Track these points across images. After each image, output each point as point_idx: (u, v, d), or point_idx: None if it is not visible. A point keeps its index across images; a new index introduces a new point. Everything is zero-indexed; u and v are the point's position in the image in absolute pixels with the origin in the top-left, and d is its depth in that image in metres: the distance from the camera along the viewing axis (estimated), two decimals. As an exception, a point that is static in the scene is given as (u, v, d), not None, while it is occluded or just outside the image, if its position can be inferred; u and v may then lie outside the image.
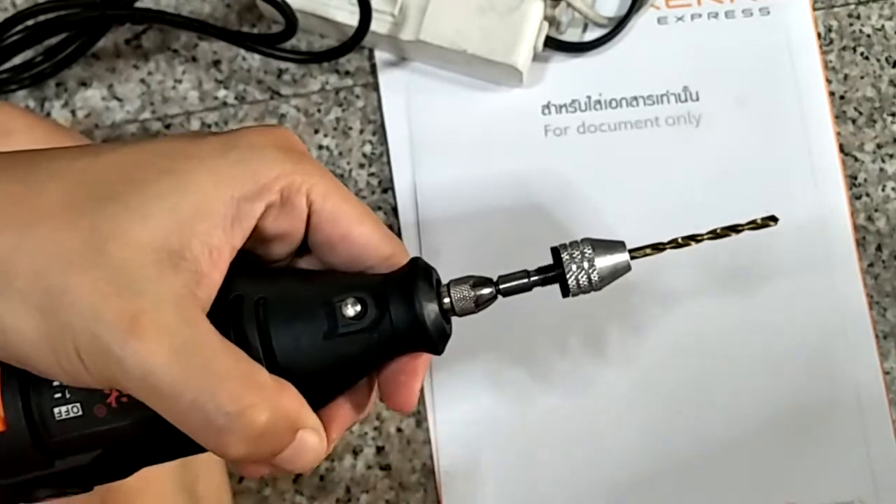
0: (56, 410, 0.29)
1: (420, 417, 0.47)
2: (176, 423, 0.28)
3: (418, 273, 0.31)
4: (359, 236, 0.32)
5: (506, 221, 0.48)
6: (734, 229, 0.34)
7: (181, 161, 0.29)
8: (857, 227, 0.48)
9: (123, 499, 0.40)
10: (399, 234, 0.48)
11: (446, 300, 0.31)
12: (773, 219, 0.34)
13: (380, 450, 0.47)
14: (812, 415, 0.46)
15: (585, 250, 0.32)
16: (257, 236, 0.30)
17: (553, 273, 0.32)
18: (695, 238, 0.34)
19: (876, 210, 0.49)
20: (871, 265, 0.48)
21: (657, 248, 0.33)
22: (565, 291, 0.33)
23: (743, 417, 0.46)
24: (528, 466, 0.46)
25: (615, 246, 0.33)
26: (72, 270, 0.27)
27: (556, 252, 0.33)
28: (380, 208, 0.49)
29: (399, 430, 0.47)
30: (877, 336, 0.47)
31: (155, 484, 0.41)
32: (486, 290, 0.32)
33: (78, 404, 0.29)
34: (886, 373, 0.47)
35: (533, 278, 0.33)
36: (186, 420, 0.27)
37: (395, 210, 0.49)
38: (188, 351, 0.27)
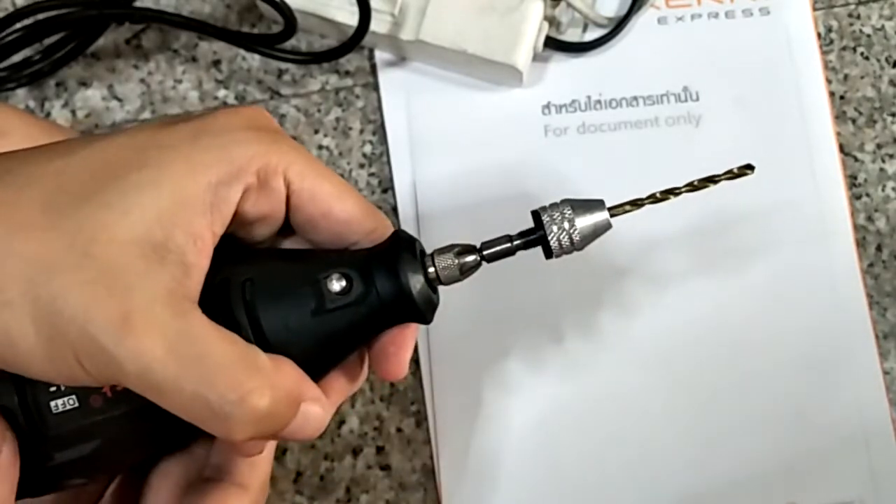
0: (52, 404, 0.29)
1: (420, 417, 0.47)
2: (179, 414, 0.28)
3: (401, 245, 0.31)
4: (340, 213, 0.32)
5: (506, 221, 0.47)
6: (711, 180, 0.34)
7: (154, 151, 0.29)
8: (857, 227, 0.48)
9: None
10: (399, 234, 0.48)
11: (431, 269, 0.32)
12: (750, 167, 0.35)
13: (380, 450, 0.47)
14: (812, 414, 0.46)
15: (565, 210, 0.33)
16: (238, 220, 0.30)
17: (535, 236, 0.33)
18: (673, 192, 0.34)
19: (876, 210, 0.49)
20: (871, 265, 0.48)
21: (636, 203, 0.34)
22: (548, 253, 0.33)
23: (742, 417, 0.46)
24: (528, 465, 0.46)
25: (595, 205, 0.33)
26: (58, 276, 0.27)
27: (536, 215, 0.33)
28: (380, 208, 0.49)
29: (399, 430, 0.47)
30: (877, 336, 0.47)
31: None
32: (471, 258, 0.32)
33: (74, 396, 0.29)
34: (886, 373, 0.47)
35: (515, 242, 0.33)
36: (189, 411, 0.27)
37: (395, 210, 0.48)
38: (183, 343, 0.27)
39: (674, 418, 0.46)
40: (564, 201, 0.33)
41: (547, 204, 0.33)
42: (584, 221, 0.33)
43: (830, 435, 0.46)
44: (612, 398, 0.47)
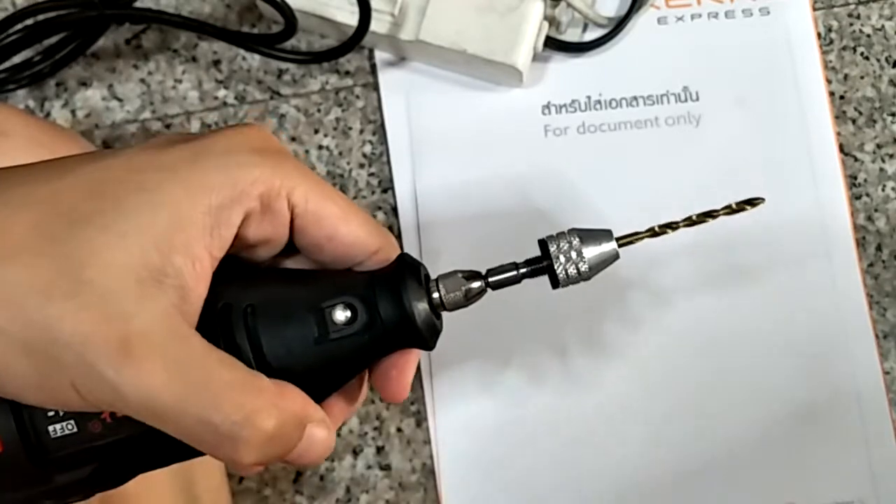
0: (51, 429, 0.29)
1: (420, 417, 0.47)
2: (183, 439, 0.27)
3: (406, 270, 0.31)
4: (346, 235, 0.31)
5: (506, 221, 0.48)
6: (710, 215, 0.34)
7: (152, 173, 0.28)
8: (857, 227, 0.48)
9: (121, 502, 0.40)
10: (399, 235, 0.48)
11: (435, 295, 0.31)
12: (751, 202, 0.34)
13: (380, 450, 0.47)
14: (812, 415, 0.46)
15: (573, 240, 0.32)
16: (240, 243, 0.30)
17: (541, 265, 0.32)
18: (673, 225, 0.34)
19: (876, 210, 0.49)
20: (871, 265, 0.48)
21: (649, 233, 0.33)
22: (554, 283, 0.33)
23: (742, 418, 0.46)
24: (528, 466, 0.46)
25: (602, 235, 0.33)
26: (52, 302, 0.26)
27: (543, 244, 0.33)
28: (380, 208, 0.49)
29: (399, 430, 0.47)
30: (877, 336, 0.47)
31: (154, 487, 0.41)
32: (476, 284, 0.32)
33: (72, 421, 0.29)
34: (886, 373, 0.47)
35: (522, 270, 0.33)
36: (194, 436, 0.27)
37: (395, 210, 0.48)
38: (184, 367, 0.27)
39: (672, 419, 0.46)
40: (572, 231, 0.32)
41: (554, 233, 0.32)
42: (592, 252, 0.32)
43: (830, 435, 0.46)
44: (612, 401, 0.47)
